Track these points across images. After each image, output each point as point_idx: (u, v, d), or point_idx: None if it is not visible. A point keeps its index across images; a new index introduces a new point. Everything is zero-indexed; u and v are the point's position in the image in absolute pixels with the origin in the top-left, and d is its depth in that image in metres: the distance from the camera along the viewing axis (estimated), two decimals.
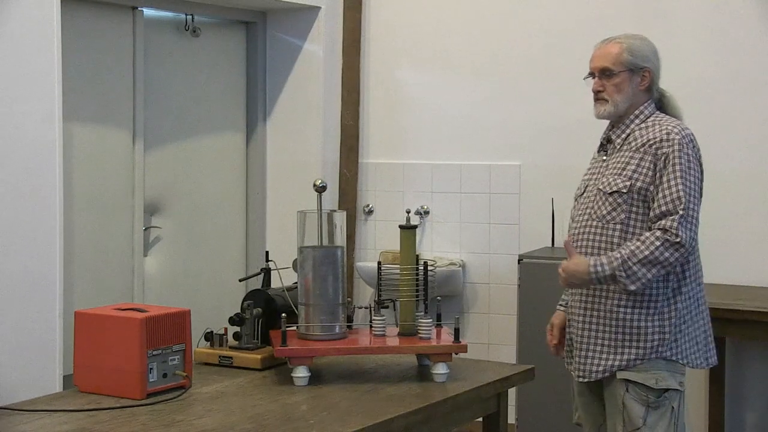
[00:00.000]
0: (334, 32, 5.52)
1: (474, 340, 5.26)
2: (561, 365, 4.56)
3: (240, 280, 4.03)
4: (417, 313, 3.14)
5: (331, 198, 5.44)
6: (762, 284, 4.69)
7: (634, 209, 3.15)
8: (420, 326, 3.10)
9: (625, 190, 3.15)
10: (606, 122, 3.34)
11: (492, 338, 5.31)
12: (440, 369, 3.01)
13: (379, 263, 3.27)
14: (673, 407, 3.15)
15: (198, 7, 5.10)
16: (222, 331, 3.24)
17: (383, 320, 3.15)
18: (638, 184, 3.14)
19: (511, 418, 4.58)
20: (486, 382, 3.04)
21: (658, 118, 3.23)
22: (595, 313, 3.20)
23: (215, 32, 5.33)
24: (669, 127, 3.16)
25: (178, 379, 2.85)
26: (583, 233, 3.23)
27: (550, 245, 5.04)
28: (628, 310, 3.15)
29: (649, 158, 3.14)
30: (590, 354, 3.21)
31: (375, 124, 5.60)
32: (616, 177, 3.18)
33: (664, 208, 3.07)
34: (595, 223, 3.21)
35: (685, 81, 4.52)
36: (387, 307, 3.18)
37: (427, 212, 5.46)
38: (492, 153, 5.33)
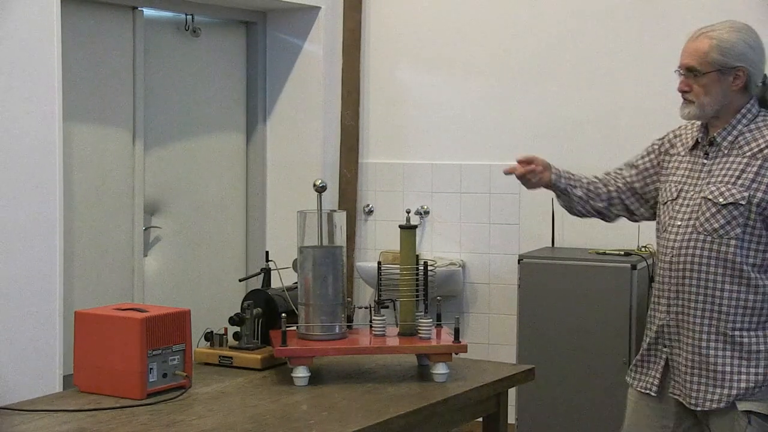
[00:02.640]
0: (334, 32, 5.52)
1: (474, 340, 5.26)
2: (561, 365, 4.57)
3: (240, 280, 4.03)
4: (417, 313, 3.14)
5: (331, 198, 5.44)
6: None
7: (750, 222, 2.87)
8: (420, 326, 3.10)
9: (743, 202, 2.85)
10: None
11: (492, 338, 5.31)
12: (440, 369, 3.01)
13: (379, 263, 3.26)
14: None
15: (198, 7, 5.10)
16: (222, 331, 3.23)
17: (383, 320, 3.15)
18: (759, 194, 2.85)
19: (511, 418, 4.58)
20: (486, 382, 3.04)
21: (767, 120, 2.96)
22: (713, 337, 2.92)
23: (215, 32, 5.33)
24: None
25: (178, 379, 2.84)
26: (690, 248, 2.94)
27: (550, 245, 5.05)
28: (744, 333, 2.91)
29: None
30: (704, 380, 2.94)
31: (375, 124, 5.60)
32: (730, 186, 2.88)
33: None
34: (703, 237, 2.91)
35: None
36: (387, 307, 3.18)
37: (427, 212, 5.46)
38: (492, 153, 5.33)
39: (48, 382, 3.86)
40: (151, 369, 2.77)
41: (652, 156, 3.20)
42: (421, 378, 3.06)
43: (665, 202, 3.06)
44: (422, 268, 3.17)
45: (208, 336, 3.23)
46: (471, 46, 5.37)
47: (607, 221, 3.34)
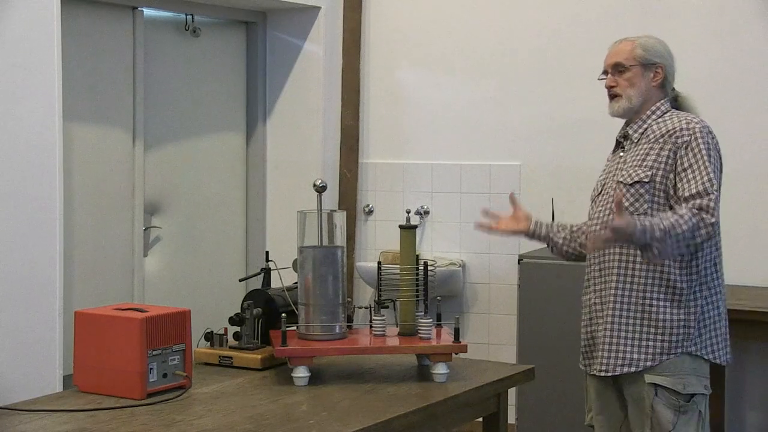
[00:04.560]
0: (334, 32, 5.52)
1: (474, 340, 5.26)
2: (561, 365, 4.56)
3: (240, 280, 4.03)
4: (417, 313, 3.14)
5: (331, 198, 5.44)
6: (762, 284, 4.69)
7: (656, 199, 3.12)
8: (420, 326, 3.10)
9: (646, 180, 3.11)
10: (621, 123, 3.32)
11: (492, 338, 5.31)
12: (440, 369, 3.01)
13: (379, 263, 3.27)
14: (700, 411, 3.14)
15: (198, 7, 5.10)
16: (222, 331, 3.24)
17: (383, 320, 3.15)
18: (660, 173, 3.11)
19: (511, 418, 4.58)
20: (486, 382, 3.04)
21: (676, 113, 3.22)
22: (626, 306, 3.15)
23: (215, 32, 5.33)
24: (689, 118, 3.16)
25: (178, 379, 2.85)
26: None
27: None
28: (654, 302, 3.12)
29: (669, 147, 3.11)
30: (614, 348, 3.16)
31: (375, 124, 5.60)
32: (636, 168, 3.15)
33: (697, 189, 3.02)
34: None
35: (686, 81, 4.51)
36: (387, 307, 3.18)
37: (427, 212, 5.46)
38: (492, 153, 5.33)
39: (48, 382, 3.86)
40: (151, 369, 2.77)
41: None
42: (421, 378, 3.06)
43: (593, 199, 3.35)
44: (422, 268, 3.17)
45: (208, 336, 3.23)
46: (471, 47, 5.37)
47: None
